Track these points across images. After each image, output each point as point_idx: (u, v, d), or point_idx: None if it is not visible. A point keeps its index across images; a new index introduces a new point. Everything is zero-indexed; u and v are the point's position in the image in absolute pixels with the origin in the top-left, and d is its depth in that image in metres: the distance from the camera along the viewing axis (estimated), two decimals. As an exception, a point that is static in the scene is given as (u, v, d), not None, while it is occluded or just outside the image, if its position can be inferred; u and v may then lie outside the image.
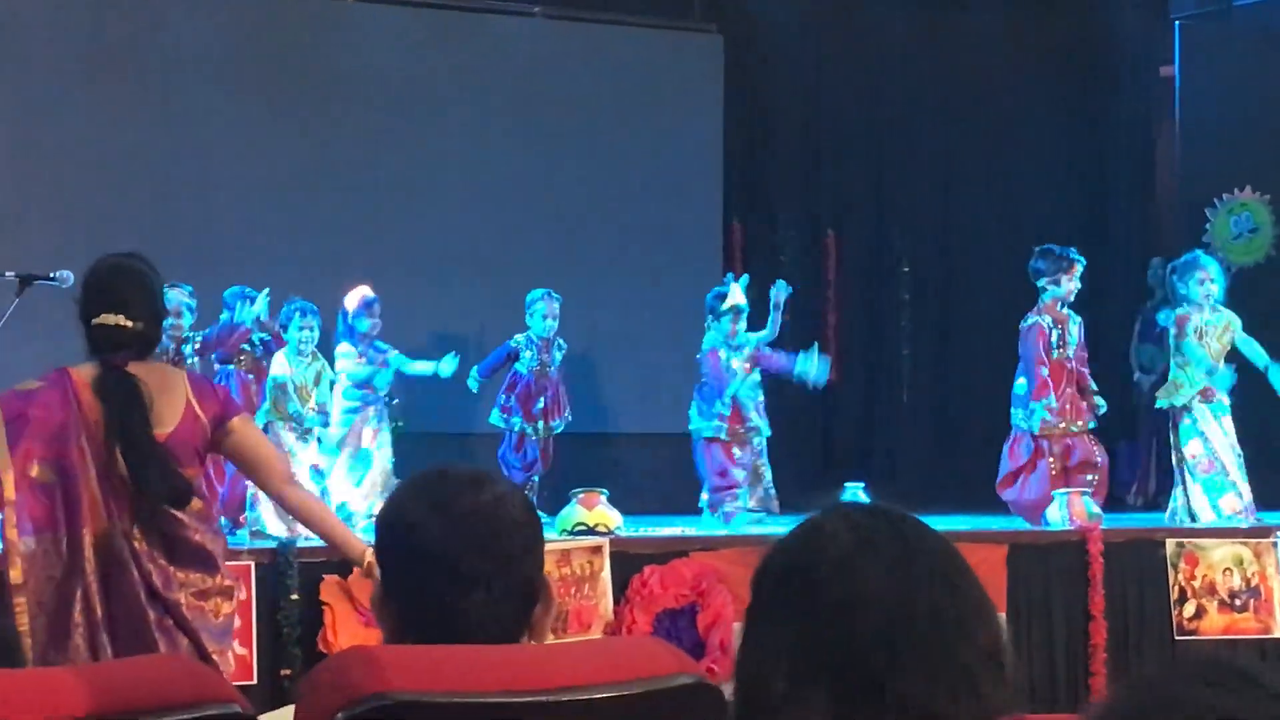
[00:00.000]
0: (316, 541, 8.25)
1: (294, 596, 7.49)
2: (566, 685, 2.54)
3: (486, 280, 12.01)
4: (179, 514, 5.02)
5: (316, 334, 9.50)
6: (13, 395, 5.02)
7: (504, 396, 10.79)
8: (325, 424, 9.51)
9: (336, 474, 9.65)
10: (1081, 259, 10.17)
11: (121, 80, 11.22)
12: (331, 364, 9.74)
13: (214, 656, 5.06)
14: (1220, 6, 13.83)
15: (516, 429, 10.72)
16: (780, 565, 2.05)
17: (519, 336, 10.74)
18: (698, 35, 13.19)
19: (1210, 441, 9.93)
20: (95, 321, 5.02)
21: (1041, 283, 10.08)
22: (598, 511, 8.63)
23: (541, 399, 10.71)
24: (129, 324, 5.01)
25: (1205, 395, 9.98)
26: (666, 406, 11.61)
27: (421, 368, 10.19)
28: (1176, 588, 9.07)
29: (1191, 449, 9.96)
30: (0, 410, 4.95)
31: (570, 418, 10.85)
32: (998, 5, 13.45)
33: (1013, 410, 10.31)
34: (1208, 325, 10.03)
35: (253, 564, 7.51)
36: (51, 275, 8.67)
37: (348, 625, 7.54)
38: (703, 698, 2.63)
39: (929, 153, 13.94)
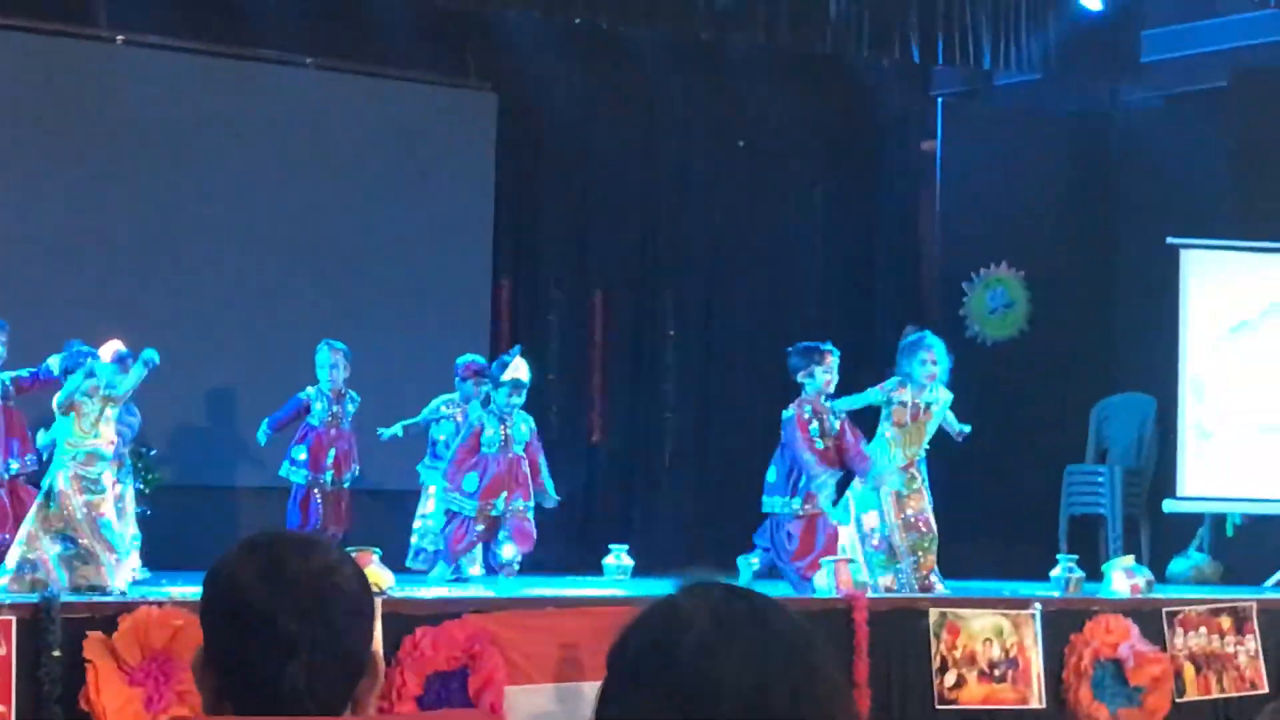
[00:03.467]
0: (79, 597, 8.12)
1: (56, 653, 7.29)
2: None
3: (250, 330, 11.85)
4: None
5: None
6: None
7: (295, 449, 10.74)
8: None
9: None
10: (835, 350, 10.44)
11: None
12: None
13: None
14: (981, 85, 14.20)
15: (304, 481, 10.67)
16: (637, 645, 2.05)
17: (309, 389, 10.72)
18: (472, 92, 13.17)
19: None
20: None
21: (799, 377, 10.37)
22: (371, 571, 8.52)
23: (333, 450, 10.71)
24: None
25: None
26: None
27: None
28: (938, 657, 9.22)
29: (869, 521, 10.18)
30: None
31: (358, 472, 10.85)
32: (767, 74, 13.63)
33: (766, 499, 10.51)
34: (926, 405, 10.26)
35: (14, 619, 7.30)
36: None
37: (111, 683, 7.36)
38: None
39: (698, 218, 14.05)
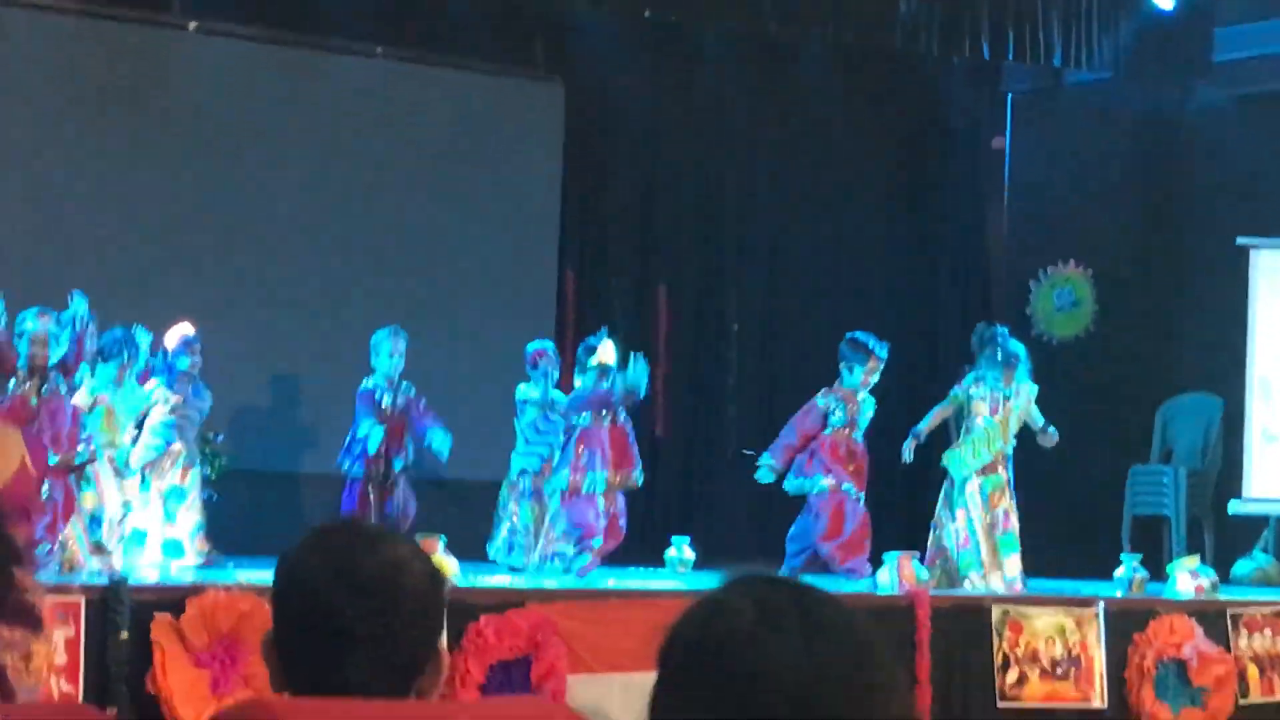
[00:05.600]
0: (149, 580, 8.20)
1: (123, 635, 7.34)
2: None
3: (318, 319, 11.91)
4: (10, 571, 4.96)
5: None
6: None
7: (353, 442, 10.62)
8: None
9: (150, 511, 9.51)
10: (883, 353, 10.49)
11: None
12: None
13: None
14: (1051, 83, 14.13)
15: (360, 475, 10.55)
16: (685, 641, 2.04)
17: (370, 380, 10.59)
18: (540, 84, 13.19)
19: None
20: None
21: (841, 366, 10.44)
22: (435, 559, 8.54)
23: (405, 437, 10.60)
24: None
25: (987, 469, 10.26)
26: (493, 454, 11.53)
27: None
28: (1000, 654, 9.19)
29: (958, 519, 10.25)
30: None
31: (411, 458, 10.72)
32: (835, 70, 13.60)
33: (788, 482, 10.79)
34: (1005, 398, 10.31)
35: (83, 600, 7.35)
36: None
37: (178, 665, 7.41)
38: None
39: (762, 213, 14.04)
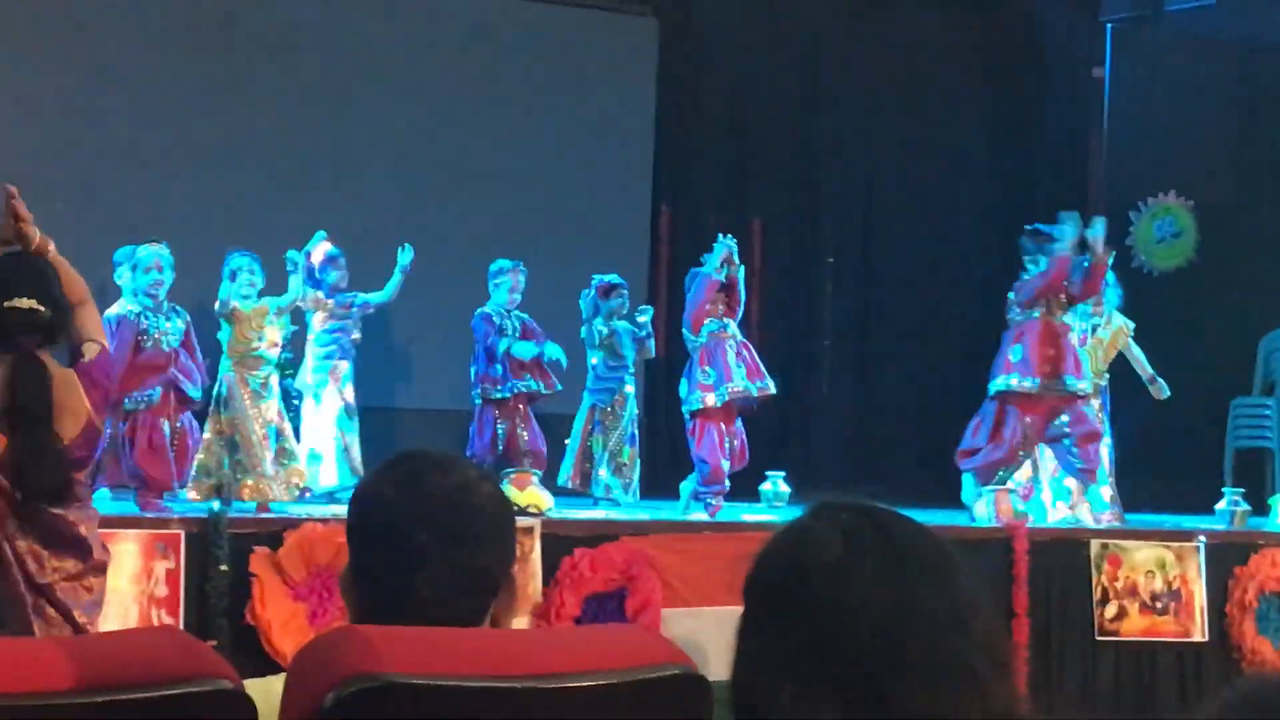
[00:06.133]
0: (248, 511, 8.21)
1: (223, 567, 7.42)
2: (557, 672, 2.53)
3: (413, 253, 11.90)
4: (56, 509, 5.09)
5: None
6: None
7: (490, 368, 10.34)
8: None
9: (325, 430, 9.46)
10: (1067, 232, 10.12)
11: (43, 40, 11.01)
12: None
13: (86, 628, 5.14)
14: (1151, 10, 13.93)
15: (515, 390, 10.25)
16: (771, 572, 2.03)
17: (485, 307, 10.36)
18: (633, 18, 13.13)
19: None
20: (7, 305, 5.04)
21: (1026, 260, 10.08)
22: (530, 492, 8.59)
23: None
24: (42, 309, 5.04)
25: None
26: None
27: (379, 294, 10.00)
28: (1099, 588, 9.14)
29: None
30: None
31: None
32: (931, 2, 13.48)
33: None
34: (1092, 328, 10.17)
35: (182, 533, 7.43)
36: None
37: (276, 598, 7.49)
38: (692, 689, 2.63)
39: (857, 146, 13.93)
